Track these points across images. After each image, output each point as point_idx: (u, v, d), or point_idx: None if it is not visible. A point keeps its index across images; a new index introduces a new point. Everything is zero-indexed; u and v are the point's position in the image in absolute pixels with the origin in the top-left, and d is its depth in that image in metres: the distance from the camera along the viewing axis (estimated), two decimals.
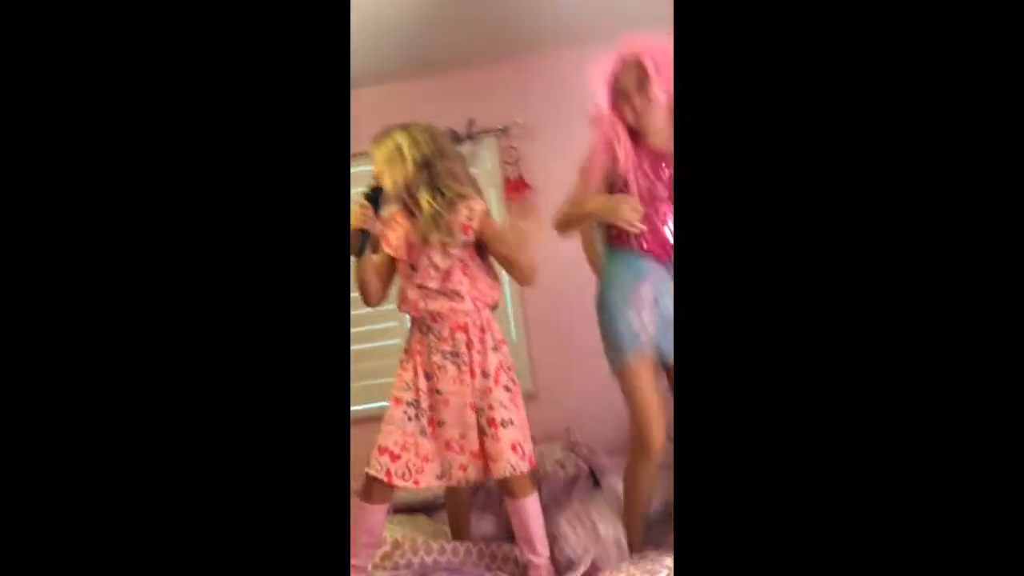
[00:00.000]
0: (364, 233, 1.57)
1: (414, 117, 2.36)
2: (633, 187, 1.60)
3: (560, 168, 2.77)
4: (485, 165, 2.71)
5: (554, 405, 2.63)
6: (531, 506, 1.63)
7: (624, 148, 1.60)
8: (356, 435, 1.66)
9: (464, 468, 1.60)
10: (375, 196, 1.61)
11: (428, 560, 1.75)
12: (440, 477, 1.62)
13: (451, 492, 1.88)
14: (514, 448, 1.58)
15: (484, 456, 1.59)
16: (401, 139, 1.64)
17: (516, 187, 2.68)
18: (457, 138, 2.65)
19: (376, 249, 1.68)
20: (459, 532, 1.89)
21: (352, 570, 1.57)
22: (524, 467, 1.59)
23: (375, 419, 1.70)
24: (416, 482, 1.59)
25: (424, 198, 1.61)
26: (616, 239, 1.68)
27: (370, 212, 1.58)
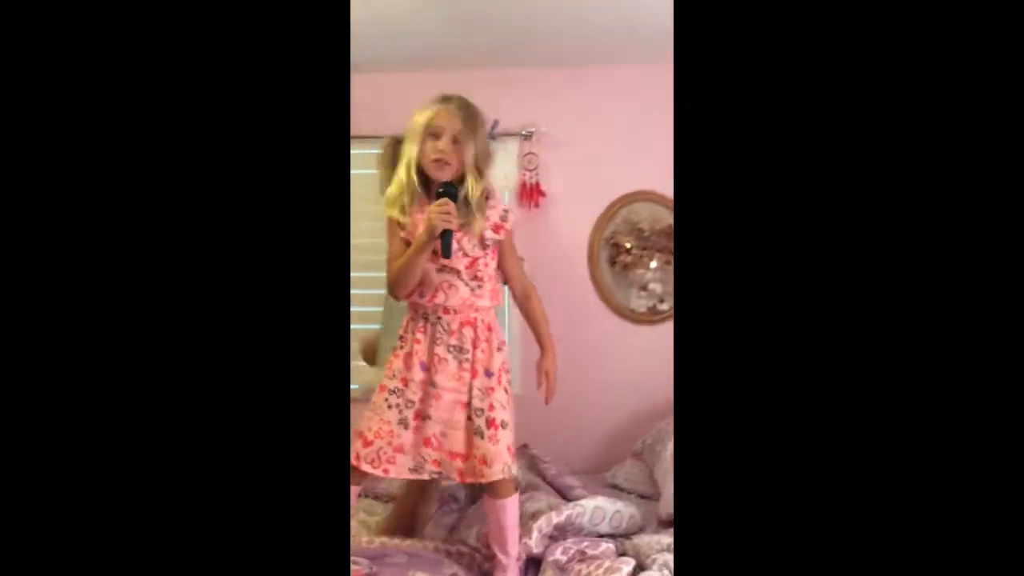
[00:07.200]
0: (449, 233, 1.50)
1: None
2: None
3: (575, 181, 2.86)
4: (504, 167, 2.75)
5: (536, 411, 2.66)
6: (511, 507, 1.62)
7: None
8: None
9: (437, 464, 1.56)
10: (453, 191, 1.52)
11: (389, 543, 1.76)
12: (413, 470, 1.58)
13: (412, 484, 1.90)
14: (509, 450, 1.56)
15: (467, 456, 1.56)
16: (469, 108, 1.58)
17: (531, 193, 2.72)
18: None
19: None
20: (406, 524, 1.91)
21: None
22: (515, 469, 1.58)
23: None
24: (386, 471, 1.57)
25: (479, 183, 1.57)
26: None
27: (452, 209, 1.49)
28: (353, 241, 2.72)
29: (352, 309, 2.75)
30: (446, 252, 1.51)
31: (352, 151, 2.75)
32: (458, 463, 1.56)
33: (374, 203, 2.71)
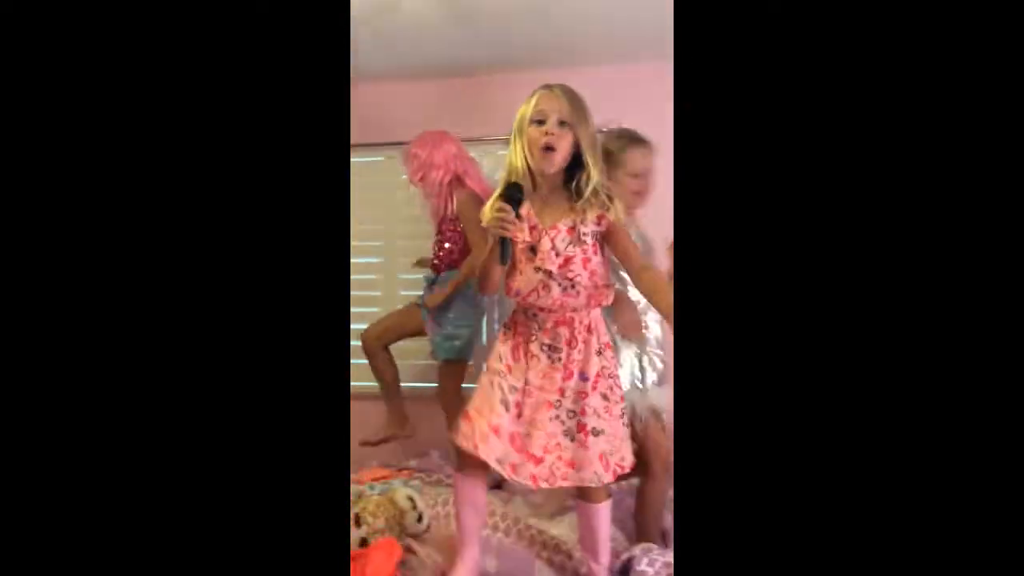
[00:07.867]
0: (507, 240, 1.42)
1: (450, 114, 2.41)
2: None
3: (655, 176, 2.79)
4: None
5: None
6: (603, 512, 1.59)
7: None
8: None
9: (514, 468, 1.47)
10: (515, 195, 1.42)
11: (485, 532, 1.80)
12: (499, 462, 1.48)
13: None
14: (601, 458, 1.48)
15: (540, 460, 1.49)
16: (573, 93, 1.46)
17: None
18: None
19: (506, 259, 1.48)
20: None
21: (460, 544, 1.59)
22: (608, 479, 1.50)
23: None
24: (475, 446, 1.46)
25: (596, 169, 1.45)
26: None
27: (511, 216, 1.39)
28: (367, 244, 2.79)
29: (364, 309, 2.82)
30: (502, 259, 1.43)
31: (369, 158, 2.85)
32: (530, 467, 1.48)
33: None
